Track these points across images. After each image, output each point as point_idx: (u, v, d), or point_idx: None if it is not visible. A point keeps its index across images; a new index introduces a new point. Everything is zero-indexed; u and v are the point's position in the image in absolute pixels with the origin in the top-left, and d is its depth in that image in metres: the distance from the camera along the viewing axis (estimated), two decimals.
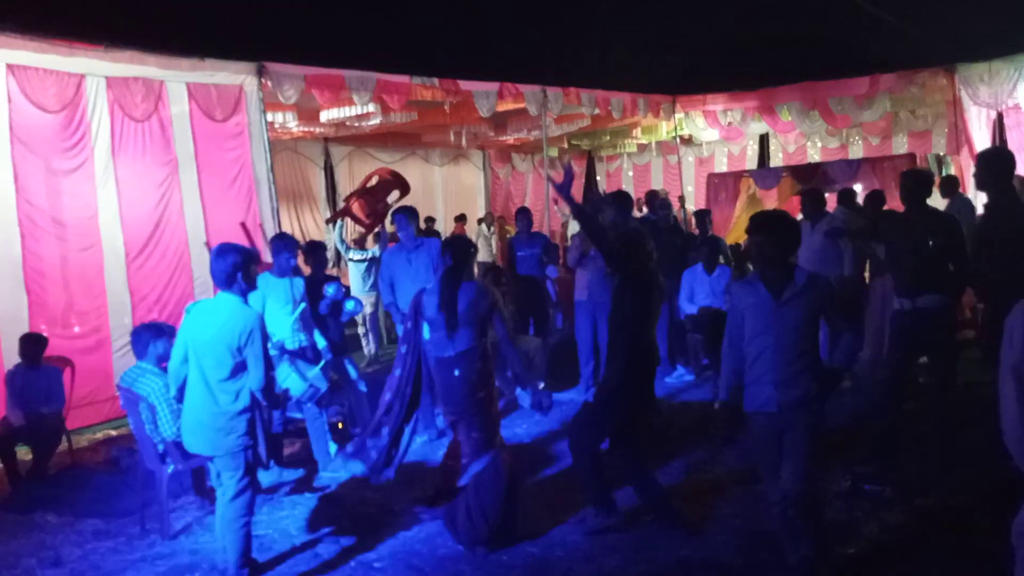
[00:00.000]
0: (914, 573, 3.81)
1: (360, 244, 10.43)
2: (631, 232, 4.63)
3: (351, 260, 9.60)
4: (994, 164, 5.00)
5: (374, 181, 9.09)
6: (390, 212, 7.92)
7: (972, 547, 3.94)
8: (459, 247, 4.52)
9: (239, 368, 3.94)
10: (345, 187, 16.21)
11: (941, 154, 12.13)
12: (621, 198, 7.34)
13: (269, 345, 4.48)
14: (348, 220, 9.40)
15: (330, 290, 6.27)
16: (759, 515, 4.47)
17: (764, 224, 3.66)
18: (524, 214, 8.57)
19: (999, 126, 12.79)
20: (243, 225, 8.09)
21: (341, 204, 10.74)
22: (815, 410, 3.62)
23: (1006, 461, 1.98)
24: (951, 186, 9.68)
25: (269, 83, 8.56)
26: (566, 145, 17.48)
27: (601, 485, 4.46)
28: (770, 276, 3.64)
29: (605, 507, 4.46)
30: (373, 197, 8.72)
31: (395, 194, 8.78)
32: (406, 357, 4.46)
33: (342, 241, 9.56)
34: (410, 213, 6.63)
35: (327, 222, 9.03)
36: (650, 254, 4.44)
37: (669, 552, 4.17)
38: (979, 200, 10.61)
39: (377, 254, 9.02)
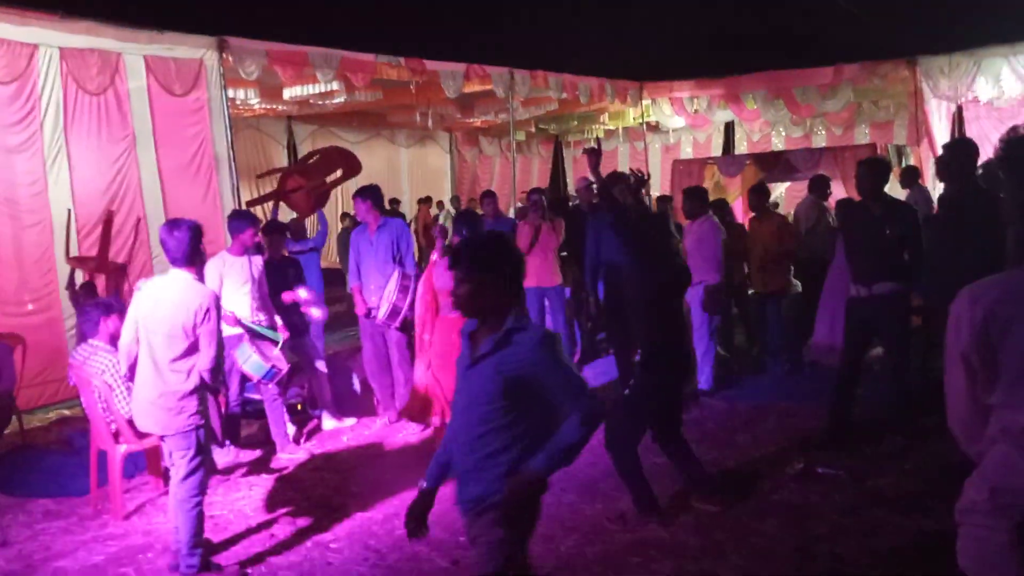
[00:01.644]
0: (868, 553, 3.87)
1: (298, 233, 8.45)
2: (647, 210, 4.67)
3: (290, 252, 7.73)
4: (959, 154, 5.04)
5: (316, 158, 8.01)
6: (351, 194, 7.20)
7: (924, 528, 4.02)
8: (472, 219, 4.65)
9: (192, 348, 3.86)
10: None
11: (901, 145, 12.30)
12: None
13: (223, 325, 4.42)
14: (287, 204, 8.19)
15: (302, 294, 6.18)
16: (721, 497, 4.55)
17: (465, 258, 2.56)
18: (491, 197, 8.53)
19: (959, 119, 13.02)
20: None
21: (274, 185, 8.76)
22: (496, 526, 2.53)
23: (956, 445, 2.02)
24: (911, 177, 9.81)
25: (230, 58, 8.39)
26: (534, 129, 17.43)
27: (643, 482, 4.33)
28: (480, 322, 2.61)
29: (647, 505, 4.33)
30: (312, 176, 7.52)
31: (338, 174, 7.72)
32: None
33: (280, 230, 8.17)
34: (375, 193, 6.50)
35: (249, 204, 7.34)
36: (667, 231, 4.47)
37: (626, 532, 4.19)
38: (936, 191, 10.82)
39: (320, 245, 7.98)
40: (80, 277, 7.27)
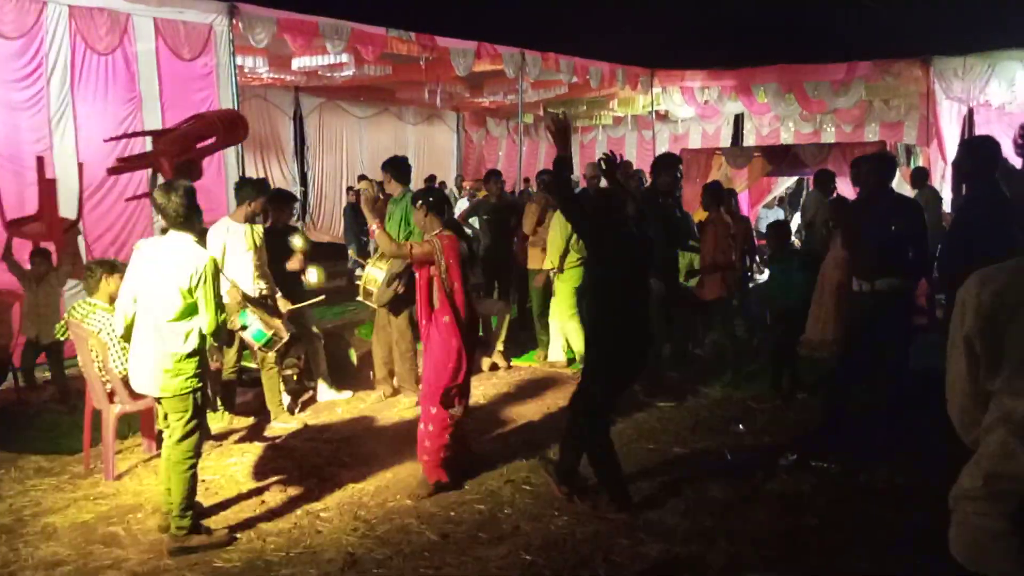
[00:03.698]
0: (857, 544, 3.88)
1: None
2: (598, 192, 4.57)
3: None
4: (980, 153, 4.94)
5: (192, 123, 6.79)
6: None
7: (915, 523, 4.02)
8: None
9: (189, 309, 3.85)
10: (314, 139, 15.98)
11: (911, 145, 12.25)
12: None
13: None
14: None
15: (311, 279, 6.19)
16: (709, 484, 4.55)
17: None
18: (496, 176, 8.47)
19: (969, 122, 12.96)
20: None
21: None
22: None
23: (954, 436, 2.01)
24: (921, 177, 9.78)
25: (240, 24, 8.35)
26: (542, 112, 17.35)
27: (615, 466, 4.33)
28: None
29: (566, 479, 4.38)
30: (187, 143, 6.56)
31: (212, 140, 6.62)
32: None
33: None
34: (392, 164, 6.39)
35: (109, 172, 6.60)
36: (618, 215, 4.35)
37: (616, 516, 4.19)
38: (946, 192, 10.77)
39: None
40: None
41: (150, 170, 6.28)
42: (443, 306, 4.48)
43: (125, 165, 6.55)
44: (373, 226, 4.81)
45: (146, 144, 6.54)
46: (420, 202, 4.65)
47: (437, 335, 4.51)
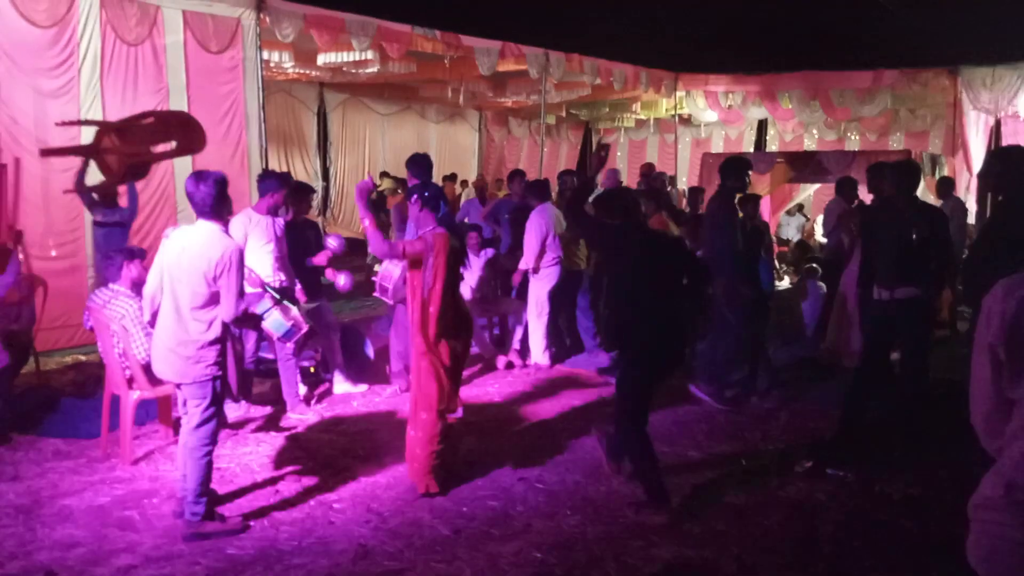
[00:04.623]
0: (870, 554, 3.85)
1: (109, 199, 6.55)
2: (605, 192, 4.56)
3: (95, 222, 6.57)
4: (1012, 160, 4.85)
5: (150, 120, 6.64)
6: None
7: (929, 534, 3.99)
8: None
9: (213, 298, 3.88)
10: (337, 136, 16.06)
11: (936, 154, 12.13)
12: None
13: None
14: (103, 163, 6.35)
15: (332, 243, 6.21)
16: (723, 489, 4.54)
17: None
18: (519, 176, 8.45)
19: (996, 133, 12.82)
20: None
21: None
22: None
23: (971, 447, 1.99)
24: (947, 187, 9.69)
25: (268, 19, 8.41)
26: (564, 114, 17.35)
27: (654, 468, 4.27)
28: None
29: (657, 497, 4.24)
30: (134, 141, 6.31)
31: (172, 145, 6.42)
32: None
33: (87, 192, 6.40)
34: (414, 162, 6.39)
35: (42, 154, 6.33)
36: (622, 215, 4.34)
37: (628, 516, 4.18)
38: (970, 203, 10.65)
39: (127, 221, 6.56)
40: None
41: (82, 162, 6.19)
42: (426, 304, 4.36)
43: (58, 150, 6.44)
44: (365, 222, 4.41)
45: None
46: (415, 196, 4.53)
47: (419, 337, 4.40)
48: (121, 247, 5.56)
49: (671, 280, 4.35)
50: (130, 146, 6.12)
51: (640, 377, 4.27)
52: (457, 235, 4.65)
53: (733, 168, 6.09)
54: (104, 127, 6.35)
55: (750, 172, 6.35)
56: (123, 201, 6.64)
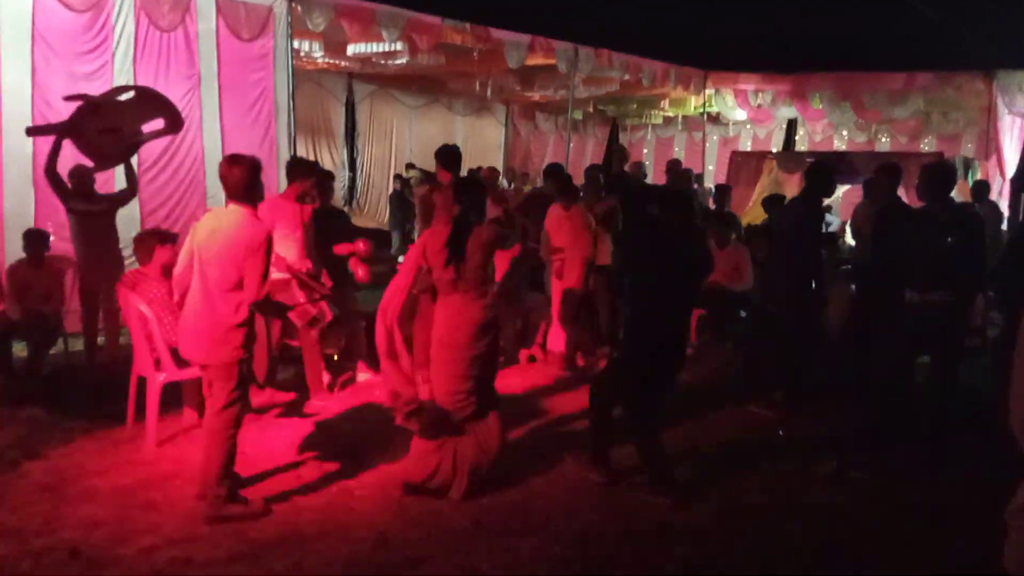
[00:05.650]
0: (890, 561, 3.80)
1: (85, 185, 6.41)
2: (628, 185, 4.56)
3: (70, 210, 6.38)
4: None
5: (130, 95, 6.37)
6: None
7: (955, 542, 3.93)
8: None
9: (242, 281, 3.90)
10: (364, 126, 16.09)
11: (970, 158, 11.95)
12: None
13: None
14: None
15: (360, 246, 6.22)
16: (745, 490, 4.51)
17: None
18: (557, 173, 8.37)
19: None
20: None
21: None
22: None
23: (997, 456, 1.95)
24: (982, 191, 9.55)
25: (299, 8, 8.43)
26: (591, 109, 17.26)
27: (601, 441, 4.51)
28: None
29: (599, 464, 4.52)
30: (126, 120, 6.10)
31: (157, 124, 6.21)
32: None
33: (58, 181, 6.22)
34: (442, 154, 6.43)
35: (28, 133, 6.18)
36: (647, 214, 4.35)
37: (648, 514, 4.17)
38: (1004, 208, 10.48)
39: (115, 205, 6.54)
40: None
41: (53, 145, 6.03)
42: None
43: (41, 129, 6.38)
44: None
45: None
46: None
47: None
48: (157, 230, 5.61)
49: (694, 279, 4.46)
50: (128, 125, 6.05)
51: (641, 372, 4.35)
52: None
53: (824, 175, 6.02)
54: (86, 104, 6.26)
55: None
56: (111, 187, 6.72)
